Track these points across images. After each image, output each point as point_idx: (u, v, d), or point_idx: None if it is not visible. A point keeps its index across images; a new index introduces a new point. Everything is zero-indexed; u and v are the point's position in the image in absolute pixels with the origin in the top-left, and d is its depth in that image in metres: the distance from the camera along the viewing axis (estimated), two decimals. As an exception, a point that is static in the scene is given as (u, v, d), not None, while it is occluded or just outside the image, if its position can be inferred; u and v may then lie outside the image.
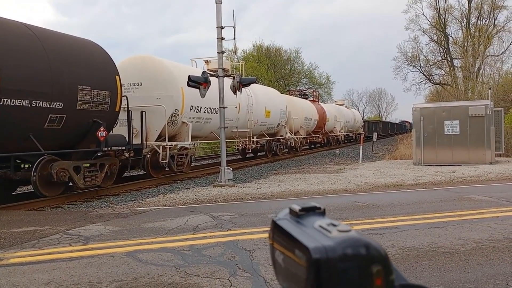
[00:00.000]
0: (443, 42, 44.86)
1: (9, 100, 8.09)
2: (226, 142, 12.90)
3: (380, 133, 44.45)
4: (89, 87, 9.80)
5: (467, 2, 42.61)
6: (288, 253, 0.55)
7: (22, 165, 9.78)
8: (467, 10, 42.26)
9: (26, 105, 8.40)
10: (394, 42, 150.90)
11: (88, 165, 10.10)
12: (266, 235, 5.29)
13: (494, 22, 41.62)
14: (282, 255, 0.57)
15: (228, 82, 13.33)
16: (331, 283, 0.50)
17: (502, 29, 41.24)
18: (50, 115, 8.96)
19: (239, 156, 22.84)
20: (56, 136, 9.35)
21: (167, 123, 12.80)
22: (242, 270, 4.20)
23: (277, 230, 0.59)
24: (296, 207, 0.60)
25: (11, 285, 3.93)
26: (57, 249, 5.19)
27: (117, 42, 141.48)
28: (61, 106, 9.13)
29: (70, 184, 9.91)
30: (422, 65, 47.06)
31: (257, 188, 10.92)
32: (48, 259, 4.76)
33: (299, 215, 0.59)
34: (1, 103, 7.96)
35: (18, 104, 8.26)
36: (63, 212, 8.53)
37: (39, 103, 8.65)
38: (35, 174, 8.83)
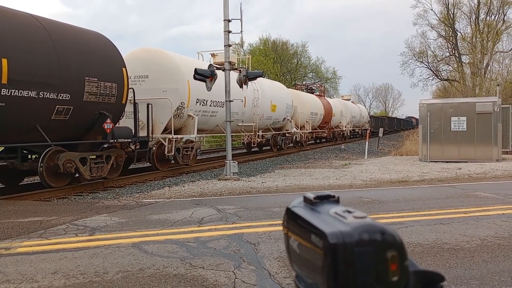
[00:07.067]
0: (451, 37, 44.43)
1: (17, 91, 8.13)
2: (232, 135, 12.91)
3: (386, 129, 44.25)
4: (96, 79, 9.83)
5: (476, -3, 42.14)
6: (304, 239, 0.55)
7: (29, 156, 9.86)
8: (476, 6, 41.79)
9: (33, 96, 8.45)
10: (401, 37, 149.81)
11: (94, 156, 10.17)
12: (271, 228, 5.29)
13: (504, 18, 41.13)
14: (297, 241, 0.57)
15: (234, 75, 13.31)
16: (347, 267, 0.50)
17: (511, 25, 40.78)
18: (57, 106, 9.01)
19: (244, 150, 22.85)
20: (63, 128, 9.40)
21: (173, 116, 12.82)
22: (246, 263, 4.22)
23: (291, 217, 0.59)
24: (311, 195, 0.60)
25: (18, 274, 3.98)
26: (64, 239, 5.24)
27: (120, 34, 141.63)
28: (68, 97, 9.17)
29: (77, 175, 9.98)
30: (429, 60, 46.66)
31: (262, 182, 10.93)
32: (54, 249, 4.81)
33: (313, 203, 0.59)
34: (9, 94, 8.01)
35: (25, 95, 8.30)
36: (69, 202, 8.59)
37: (46, 94, 8.69)
38: (42, 164, 8.90)
